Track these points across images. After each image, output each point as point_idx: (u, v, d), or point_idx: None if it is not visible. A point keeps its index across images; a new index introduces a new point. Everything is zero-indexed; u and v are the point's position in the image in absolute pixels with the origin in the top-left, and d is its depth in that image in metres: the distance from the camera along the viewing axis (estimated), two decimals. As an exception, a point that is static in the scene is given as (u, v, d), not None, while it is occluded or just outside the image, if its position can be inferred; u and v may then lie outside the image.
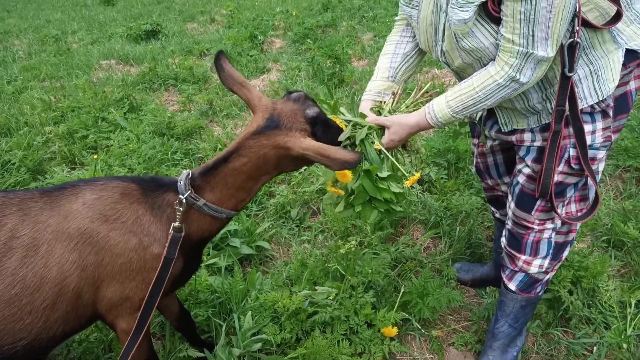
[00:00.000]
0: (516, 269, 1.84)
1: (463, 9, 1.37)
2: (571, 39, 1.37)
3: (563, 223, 1.76)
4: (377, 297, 2.17)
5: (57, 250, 1.33)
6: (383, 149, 1.61)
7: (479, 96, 1.45)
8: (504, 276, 1.91)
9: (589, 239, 2.62)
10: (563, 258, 1.84)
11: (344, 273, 2.16)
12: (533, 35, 1.29)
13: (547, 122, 1.58)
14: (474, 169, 2.11)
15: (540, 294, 1.90)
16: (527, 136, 1.65)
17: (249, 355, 1.94)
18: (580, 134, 1.50)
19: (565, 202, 1.70)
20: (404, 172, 1.62)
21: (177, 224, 1.41)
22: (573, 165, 1.58)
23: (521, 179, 1.71)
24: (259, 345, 1.95)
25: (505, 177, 2.01)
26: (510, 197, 1.80)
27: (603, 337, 2.03)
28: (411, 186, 3.02)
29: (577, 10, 1.34)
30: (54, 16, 10.91)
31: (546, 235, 1.75)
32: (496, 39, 1.39)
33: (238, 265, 2.46)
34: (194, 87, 5.09)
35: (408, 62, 1.77)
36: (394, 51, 1.77)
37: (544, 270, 1.80)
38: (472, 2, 1.35)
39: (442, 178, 3.09)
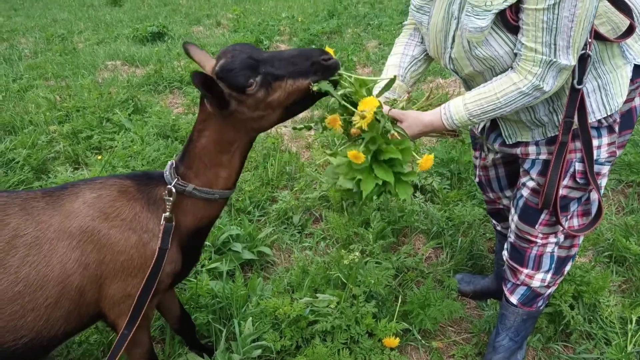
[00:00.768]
0: (518, 282, 1.83)
1: (479, 17, 1.36)
2: (583, 51, 1.36)
3: (566, 237, 1.76)
4: (379, 307, 2.17)
5: (59, 248, 1.35)
6: (394, 131, 1.47)
7: (500, 102, 1.42)
8: (505, 289, 1.91)
9: (591, 254, 2.62)
10: (565, 272, 1.84)
11: (345, 281, 2.16)
12: (555, 44, 1.29)
13: (552, 135, 1.58)
14: (477, 180, 2.11)
15: (541, 308, 1.90)
16: (532, 149, 1.65)
17: (248, 362, 1.93)
18: (588, 146, 1.50)
19: (569, 217, 1.70)
20: (415, 155, 1.52)
21: (167, 214, 1.41)
22: (578, 180, 1.58)
23: (525, 192, 1.71)
24: (258, 351, 1.95)
25: (506, 191, 2.01)
26: (513, 210, 1.80)
27: (603, 353, 2.02)
28: (414, 195, 3.02)
29: None
30: (61, 16, 10.95)
31: (549, 249, 1.75)
32: (511, 48, 1.39)
33: (239, 270, 2.46)
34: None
35: (416, 66, 1.75)
36: (403, 52, 1.75)
37: (546, 284, 1.80)
38: (490, 10, 1.34)
39: (444, 188, 3.09)
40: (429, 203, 3.04)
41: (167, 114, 4.21)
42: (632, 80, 1.49)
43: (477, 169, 2.05)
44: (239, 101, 1.32)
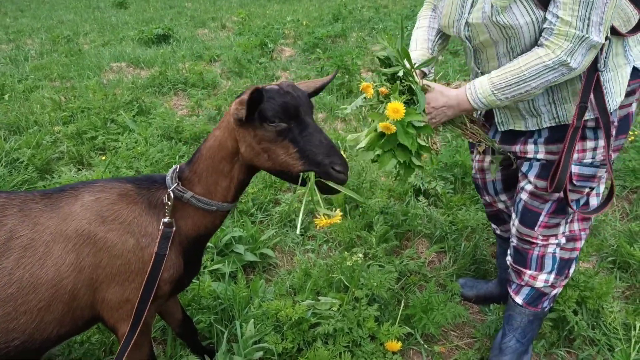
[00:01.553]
0: (522, 283, 1.86)
1: None
2: None
3: (568, 240, 1.78)
4: (381, 310, 2.16)
5: (54, 251, 1.34)
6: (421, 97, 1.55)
7: (524, 75, 1.41)
8: (510, 290, 1.92)
9: (595, 260, 2.61)
10: (569, 274, 1.86)
11: (347, 284, 2.16)
12: (589, 19, 1.30)
13: (547, 125, 1.59)
14: (474, 182, 2.13)
15: (546, 309, 1.91)
16: (530, 147, 1.66)
17: (250, 364, 1.93)
18: (607, 127, 1.50)
19: (568, 220, 1.72)
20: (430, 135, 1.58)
21: (166, 219, 1.41)
22: (575, 182, 1.60)
23: (524, 195, 1.73)
24: (260, 353, 1.94)
25: (501, 195, 2.03)
26: (514, 215, 1.83)
27: (607, 360, 2.01)
28: (417, 199, 3.02)
29: None
30: (67, 17, 11.03)
31: (550, 250, 1.77)
32: (532, 20, 1.39)
33: (242, 272, 2.46)
34: (203, 92, 5.12)
35: (441, 39, 1.78)
36: (428, 25, 1.78)
37: (549, 284, 1.82)
38: None
39: (448, 192, 3.08)
40: (433, 207, 3.04)
41: (171, 116, 4.22)
42: (628, 82, 1.51)
43: (475, 172, 2.07)
44: (254, 125, 1.34)
